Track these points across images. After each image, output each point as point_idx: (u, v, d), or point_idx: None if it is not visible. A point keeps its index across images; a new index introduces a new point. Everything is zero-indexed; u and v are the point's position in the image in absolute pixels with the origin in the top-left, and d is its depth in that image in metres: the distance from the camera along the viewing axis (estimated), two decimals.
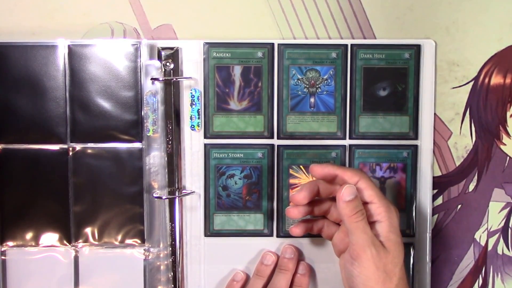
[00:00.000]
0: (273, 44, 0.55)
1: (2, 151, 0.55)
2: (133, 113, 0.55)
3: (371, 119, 0.55)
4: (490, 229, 0.57)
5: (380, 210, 0.48)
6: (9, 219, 0.56)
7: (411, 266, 0.56)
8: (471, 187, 0.57)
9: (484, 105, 0.56)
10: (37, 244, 0.56)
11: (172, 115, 0.55)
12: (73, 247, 0.56)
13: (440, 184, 0.57)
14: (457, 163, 0.57)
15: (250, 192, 0.56)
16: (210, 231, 0.56)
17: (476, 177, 0.57)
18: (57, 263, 0.56)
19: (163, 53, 0.54)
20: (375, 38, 0.56)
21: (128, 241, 0.56)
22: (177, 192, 0.55)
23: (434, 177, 0.57)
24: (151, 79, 0.54)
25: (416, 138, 0.56)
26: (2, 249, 0.56)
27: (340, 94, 0.55)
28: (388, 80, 0.55)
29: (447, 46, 0.56)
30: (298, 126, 0.55)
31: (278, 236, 0.56)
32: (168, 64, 0.54)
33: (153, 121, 0.55)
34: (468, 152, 0.57)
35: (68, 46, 0.54)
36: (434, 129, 0.56)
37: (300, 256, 0.56)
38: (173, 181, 0.55)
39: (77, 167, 0.55)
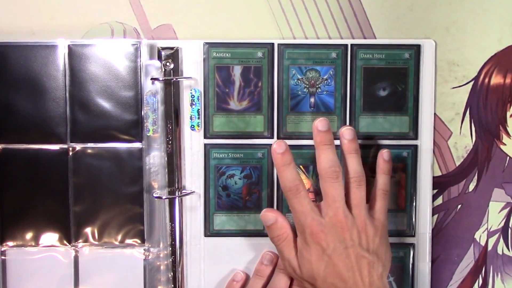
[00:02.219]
0: (273, 44, 0.55)
1: (2, 151, 0.55)
2: (133, 113, 0.55)
3: (371, 119, 0.55)
4: (490, 229, 0.57)
5: None
6: (9, 219, 0.56)
7: (411, 266, 0.56)
8: (471, 187, 0.57)
9: (484, 105, 0.56)
10: (37, 244, 0.56)
11: (172, 115, 0.55)
12: (73, 247, 0.56)
13: (440, 184, 0.57)
14: (457, 163, 0.57)
15: (250, 192, 0.56)
16: (210, 231, 0.56)
17: (476, 177, 0.57)
18: (57, 263, 0.56)
19: (163, 53, 0.54)
20: (375, 38, 0.56)
21: (128, 241, 0.56)
22: (177, 192, 0.55)
23: (434, 177, 0.57)
24: (151, 79, 0.54)
25: (416, 138, 0.56)
26: (2, 249, 0.56)
27: (340, 94, 0.55)
28: (388, 80, 0.55)
29: (447, 46, 0.56)
30: (298, 126, 0.55)
31: None
32: (168, 64, 0.54)
33: (153, 121, 0.55)
34: (468, 152, 0.57)
35: (68, 46, 0.54)
36: (434, 129, 0.56)
37: None
38: (173, 181, 0.55)
39: (77, 167, 0.55)
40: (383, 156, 0.54)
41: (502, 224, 0.57)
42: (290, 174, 0.51)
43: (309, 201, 0.50)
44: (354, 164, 0.52)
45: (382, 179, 0.53)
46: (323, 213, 0.50)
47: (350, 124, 0.56)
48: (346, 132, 0.52)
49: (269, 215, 0.52)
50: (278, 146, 0.51)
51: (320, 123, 0.52)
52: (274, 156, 0.51)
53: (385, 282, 0.50)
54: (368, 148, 0.56)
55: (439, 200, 0.57)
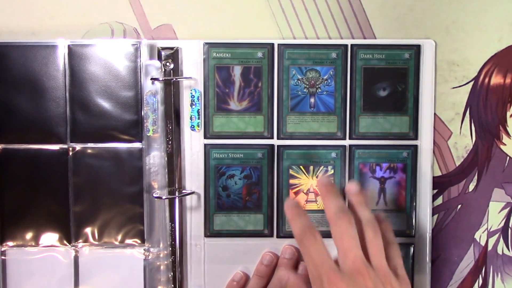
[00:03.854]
0: (273, 44, 0.55)
1: (2, 151, 0.55)
2: (133, 113, 0.55)
3: (371, 119, 0.55)
4: (490, 229, 0.57)
5: None
6: (9, 219, 0.56)
7: (411, 266, 0.56)
8: (471, 187, 0.57)
9: (484, 105, 0.56)
10: (37, 244, 0.56)
11: (172, 115, 0.55)
12: (73, 247, 0.56)
13: (440, 184, 0.57)
14: (457, 163, 0.57)
15: (250, 193, 0.56)
16: (210, 232, 0.56)
17: (476, 177, 0.57)
18: (57, 263, 0.56)
19: (163, 53, 0.54)
20: (375, 38, 0.56)
21: (128, 241, 0.56)
22: (177, 192, 0.55)
23: (434, 177, 0.57)
24: (151, 79, 0.54)
25: (416, 138, 0.56)
26: (2, 249, 0.56)
27: (340, 94, 0.55)
28: (388, 80, 0.55)
29: (447, 46, 0.56)
30: (298, 126, 0.55)
31: (278, 236, 0.56)
32: (168, 64, 0.54)
33: (153, 121, 0.55)
34: (468, 152, 0.57)
35: (68, 46, 0.54)
36: (434, 129, 0.56)
37: (300, 256, 0.56)
38: (173, 181, 0.55)
39: (77, 167, 0.55)
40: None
41: (502, 224, 0.57)
42: (304, 220, 0.48)
43: (325, 247, 0.46)
44: (366, 214, 0.48)
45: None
46: (340, 262, 0.46)
47: (350, 124, 0.56)
48: (350, 188, 0.51)
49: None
50: (290, 203, 0.50)
51: (321, 181, 0.51)
52: (286, 211, 0.50)
53: None
54: (369, 149, 0.56)
55: (439, 200, 0.57)
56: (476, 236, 0.57)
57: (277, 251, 0.56)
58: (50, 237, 0.56)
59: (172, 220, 0.55)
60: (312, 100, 0.55)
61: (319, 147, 0.56)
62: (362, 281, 0.44)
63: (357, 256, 0.45)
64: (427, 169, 0.56)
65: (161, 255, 0.56)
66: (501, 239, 0.57)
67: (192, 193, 0.56)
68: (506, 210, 0.57)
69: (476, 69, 0.56)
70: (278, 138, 0.56)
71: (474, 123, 0.57)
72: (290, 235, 0.56)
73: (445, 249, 0.57)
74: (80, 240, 0.56)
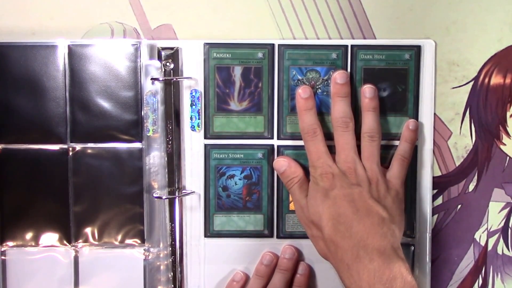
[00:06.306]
0: (273, 44, 0.55)
1: (2, 151, 0.55)
2: (133, 113, 0.55)
3: None
4: (490, 229, 0.57)
5: None
6: (9, 219, 0.56)
7: (411, 266, 0.56)
8: (471, 187, 0.57)
9: (484, 105, 0.56)
10: (37, 244, 0.56)
11: (172, 115, 0.55)
12: (73, 247, 0.56)
13: (440, 184, 0.57)
14: (457, 163, 0.57)
15: (250, 193, 0.56)
16: (210, 232, 0.56)
17: (476, 177, 0.57)
18: (57, 263, 0.56)
19: (163, 53, 0.54)
20: (375, 38, 0.56)
21: (128, 241, 0.56)
22: (177, 192, 0.55)
23: (434, 177, 0.57)
24: (151, 79, 0.54)
25: (416, 138, 0.56)
26: (2, 249, 0.56)
27: None
28: (388, 81, 0.55)
29: (447, 46, 0.56)
30: (298, 126, 0.55)
31: (278, 237, 0.56)
32: (168, 64, 0.54)
33: (153, 121, 0.55)
34: (468, 152, 0.57)
35: (68, 46, 0.54)
36: (434, 129, 0.56)
37: (300, 257, 0.56)
38: (173, 181, 0.55)
39: (77, 167, 0.55)
40: (409, 125, 0.55)
41: (502, 224, 0.57)
42: (309, 118, 0.53)
43: (324, 145, 0.52)
44: (370, 121, 0.53)
45: (402, 146, 0.55)
46: (336, 162, 0.52)
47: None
48: (367, 90, 0.54)
49: (281, 162, 0.55)
50: (303, 91, 0.53)
51: (339, 76, 0.54)
52: (297, 100, 0.54)
53: (399, 244, 0.50)
54: None
55: (439, 200, 0.57)
56: (476, 236, 0.57)
57: (277, 251, 0.56)
58: (50, 237, 0.56)
59: (172, 220, 0.55)
60: None
61: None
62: (349, 175, 0.51)
63: (348, 156, 0.52)
64: (427, 169, 0.56)
65: (161, 255, 0.56)
66: (501, 239, 0.58)
67: (192, 193, 0.56)
68: (506, 210, 0.57)
69: (476, 69, 0.56)
70: (278, 138, 0.56)
71: (474, 123, 0.57)
72: (290, 235, 0.56)
73: (445, 249, 0.57)
74: (80, 240, 0.56)
